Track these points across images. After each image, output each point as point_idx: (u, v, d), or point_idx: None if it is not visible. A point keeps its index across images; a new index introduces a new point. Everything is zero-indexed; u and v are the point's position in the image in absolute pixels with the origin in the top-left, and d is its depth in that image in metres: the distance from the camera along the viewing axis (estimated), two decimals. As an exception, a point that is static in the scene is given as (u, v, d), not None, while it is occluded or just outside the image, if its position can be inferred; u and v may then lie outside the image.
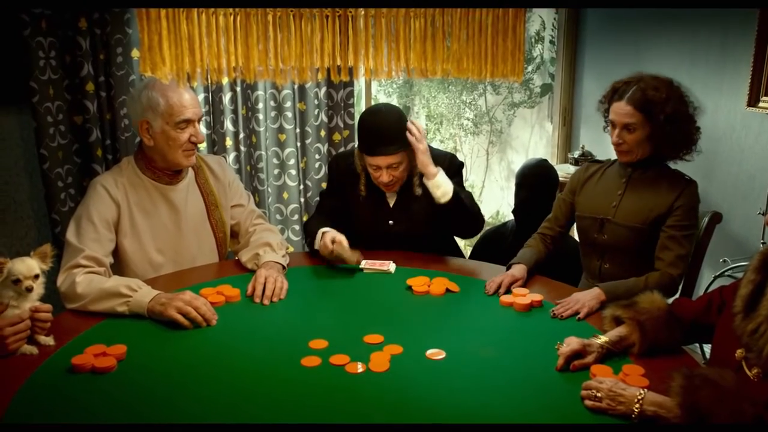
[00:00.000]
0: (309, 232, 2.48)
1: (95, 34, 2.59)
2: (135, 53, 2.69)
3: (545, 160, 3.08)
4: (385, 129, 2.32)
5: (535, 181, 2.86)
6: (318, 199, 2.95)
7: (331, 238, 2.31)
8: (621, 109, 2.13)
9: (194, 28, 1.77)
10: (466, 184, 2.76)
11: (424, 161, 2.32)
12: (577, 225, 2.38)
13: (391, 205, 2.53)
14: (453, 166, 2.51)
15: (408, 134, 2.31)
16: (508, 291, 2.12)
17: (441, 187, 2.31)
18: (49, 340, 1.76)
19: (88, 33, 2.57)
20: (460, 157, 2.82)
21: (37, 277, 1.74)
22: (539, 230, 2.44)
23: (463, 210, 2.38)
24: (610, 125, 2.21)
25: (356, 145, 2.49)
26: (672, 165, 2.24)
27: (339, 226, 2.43)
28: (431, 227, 2.51)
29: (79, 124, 2.68)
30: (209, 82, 1.83)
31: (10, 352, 1.68)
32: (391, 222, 2.53)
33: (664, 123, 2.09)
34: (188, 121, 2.20)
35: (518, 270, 2.21)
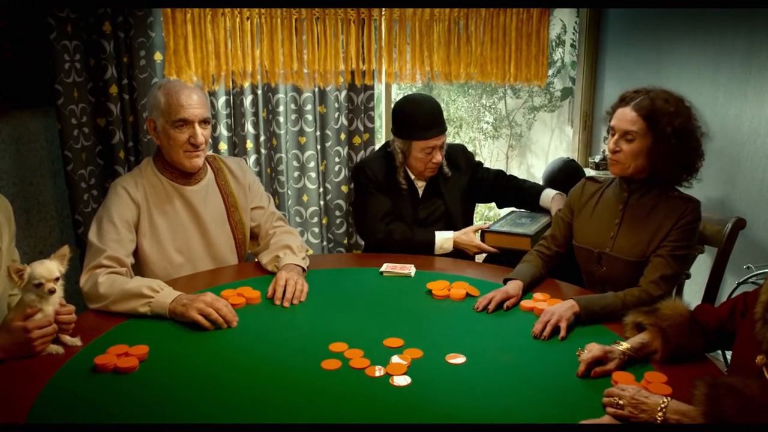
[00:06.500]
0: (406, 239, 2.60)
1: (119, 38, 2.62)
2: (158, 56, 2.71)
3: (572, 160, 3.04)
4: (436, 111, 2.49)
5: (563, 182, 2.81)
6: (350, 207, 3.14)
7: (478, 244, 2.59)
8: (624, 114, 2.01)
9: (219, 32, 1.79)
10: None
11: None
12: (575, 253, 2.27)
13: (420, 194, 2.70)
14: (469, 161, 2.67)
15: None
16: (498, 308, 2.03)
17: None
18: (75, 341, 1.78)
19: (112, 36, 2.61)
20: (478, 159, 2.88)
21: (57, 279, 1.76)
22: (536, 248, 2.33)
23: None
24: (610, 132, 2.08)
25: (396, 137, 2.62)
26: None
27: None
28: (462, 205, 2.71)
29: (103, 126, 2.72)
30: (232, 84, 1.84)
31: (37, 353, 1.71)
32: (425, 208, 2.69)
33: (671, 135, 1.96)
34: (185, 121, 2.19)
35: (513, 287, 2.10)
